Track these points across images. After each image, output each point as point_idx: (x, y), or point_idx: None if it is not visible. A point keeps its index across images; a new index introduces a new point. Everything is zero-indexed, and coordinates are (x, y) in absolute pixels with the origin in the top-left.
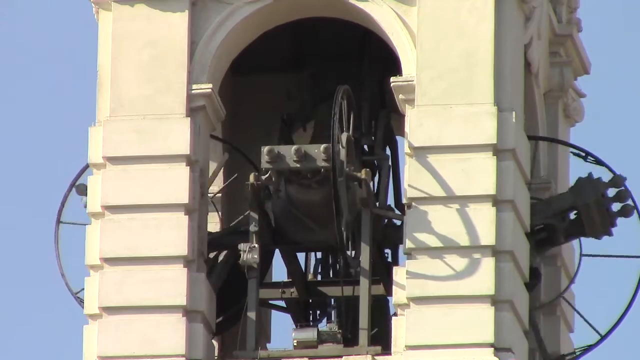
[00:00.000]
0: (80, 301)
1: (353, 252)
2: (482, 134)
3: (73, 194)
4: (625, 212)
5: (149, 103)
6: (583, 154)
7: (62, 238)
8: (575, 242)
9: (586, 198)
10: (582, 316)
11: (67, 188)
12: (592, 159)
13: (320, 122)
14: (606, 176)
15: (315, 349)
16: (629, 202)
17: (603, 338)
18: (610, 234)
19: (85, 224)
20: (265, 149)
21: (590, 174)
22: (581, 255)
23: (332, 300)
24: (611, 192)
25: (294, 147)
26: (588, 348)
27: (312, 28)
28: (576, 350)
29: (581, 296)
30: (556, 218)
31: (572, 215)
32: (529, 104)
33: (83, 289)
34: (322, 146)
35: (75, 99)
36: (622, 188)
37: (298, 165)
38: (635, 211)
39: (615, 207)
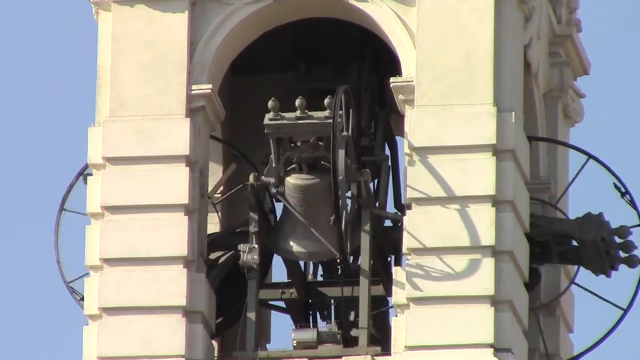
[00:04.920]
0: (73, 291)
1: (351, 258)
2: (482, 134)
3: (72, 194)
4: (630, 262)
5: (149, 103)
6: (623, 190)
7: (62, 238)
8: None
9: (585, 235)
10: (599, 296)
11: (66, 188)
12: (629, 199)
13: (319, 122)
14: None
15: (314, 350)
16: (635, 253)
17: (626, 311)
18: (608, 275)
19: (84, 214)
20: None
21: (601, 214)
22: (572, 282)
23: (332, 300)
24: (615, 238)
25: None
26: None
27: (312, 28)
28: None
29: (581, 295)
30: (553, 239)
31: (573, 242)
32: (528, 104)
33: (77, 279)
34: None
35: (75, 99)
36: (628, 239)
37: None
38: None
39: (621, 253)
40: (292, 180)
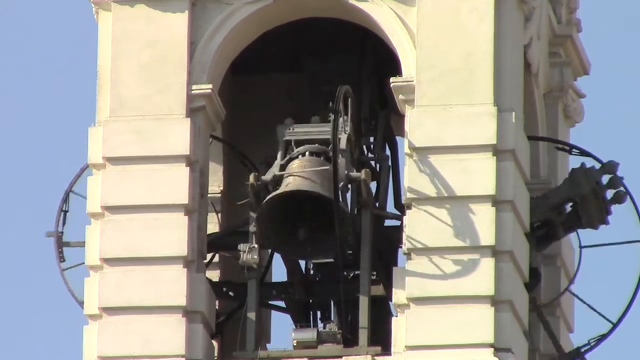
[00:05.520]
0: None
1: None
2: (482, 134)
3: (72, 196)
4: (618, 198)
5: (149, 103)
6: (568, 148)
7: (76, 291)
8: (573, 237)
9: (582, 189)
10: (591, 307)
11: (66, 188)
12: (577, 151)
13: (320, 123)
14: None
15: (315, 350)
16: (621, 188)
17: (615, 325)
18: (606, 222)
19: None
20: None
21: (583, 164)
22: (581, 247)
23: (332, 301)
24: (604, 179)
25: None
26: (602, 337)
27: (312, 28)
28: (590, 341)
29: (582, 292)
30: (554, 212)
31: (568, 208)
32: (529, 104)
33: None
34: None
35: (75, 99)
36: (614, 174)
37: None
38: (628, 197)
39: (609, 194)
40: (294, 164)
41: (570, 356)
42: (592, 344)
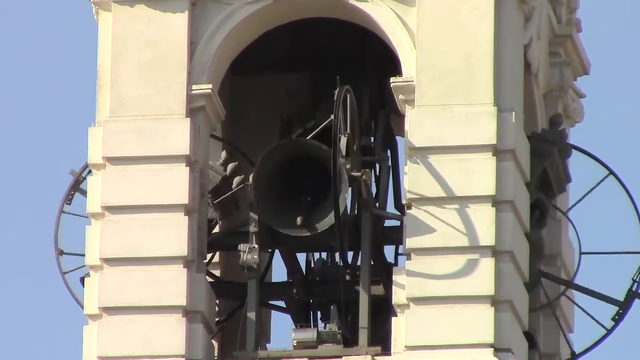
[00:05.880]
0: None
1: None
2: (482, 134)
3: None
4: (565, 152)
5: (149, 103)
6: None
7: (62, 239)
8: (574, 241)
9: (550, 152)
10: (614, 252)
11: (66, 189)
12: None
13: (321, 123)
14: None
15: (315, 349)
16: (565, 142)
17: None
18: (570, 179)
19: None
20: None
21: (534, 132)
22: (581, 253)
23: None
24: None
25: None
26: None
27: (312, 28)
28: (633, 278)
29: (581, 294)
30: (537, 191)
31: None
32: (528, 104)
33: (74, 269)
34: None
35: (75, 99)
36: (560, 128)
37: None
38: (572, 150)
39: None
40: None
41: (627, 301)
42: (637, 280)
